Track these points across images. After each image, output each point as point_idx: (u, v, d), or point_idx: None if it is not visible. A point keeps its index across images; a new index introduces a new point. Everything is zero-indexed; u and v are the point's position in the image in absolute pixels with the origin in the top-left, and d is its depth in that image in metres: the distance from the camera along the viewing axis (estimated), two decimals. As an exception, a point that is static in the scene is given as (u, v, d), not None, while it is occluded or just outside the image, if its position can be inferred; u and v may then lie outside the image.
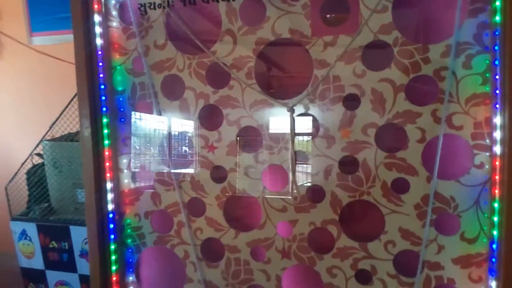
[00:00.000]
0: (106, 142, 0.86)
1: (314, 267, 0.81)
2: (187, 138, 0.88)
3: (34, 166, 2.82)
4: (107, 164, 0.86)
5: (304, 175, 0.82)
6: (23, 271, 2.91)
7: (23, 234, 2.97)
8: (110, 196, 0.87)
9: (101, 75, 0.85)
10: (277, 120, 0.80)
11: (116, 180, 0.89)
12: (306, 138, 0.80)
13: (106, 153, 0.86)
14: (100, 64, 0.85)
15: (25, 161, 3.00)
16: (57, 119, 2.55)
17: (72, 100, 2.33)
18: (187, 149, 0.88)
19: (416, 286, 0.75)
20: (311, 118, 0.78)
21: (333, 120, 0.77)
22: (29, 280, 2.83)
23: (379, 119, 0.75)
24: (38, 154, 2.68)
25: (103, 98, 0.86)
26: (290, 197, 0.81)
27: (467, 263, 0.73)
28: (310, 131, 0.79)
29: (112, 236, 0.88)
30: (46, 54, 2.57)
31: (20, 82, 3.13)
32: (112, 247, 0.88)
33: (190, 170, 0.87)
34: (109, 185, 0.87)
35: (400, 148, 0.74)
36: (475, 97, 0.70)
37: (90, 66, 0.84)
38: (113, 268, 0.88)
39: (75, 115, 2.44)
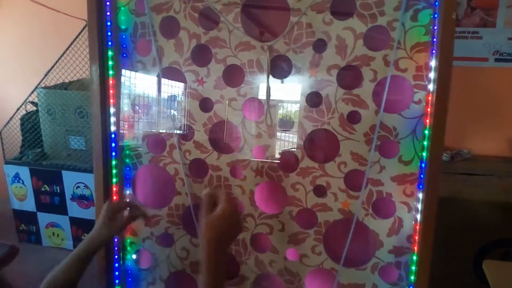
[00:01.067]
0: (110, 72, 1.00)
1: (281, 183, 0.98)
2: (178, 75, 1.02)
3: (28, 113, 2.94)
4: (111, 91, 1.01)
5: (278, 107, 0.98)
6: (15, 213, 3.08)
7: (16, 177, 3.13)
8: (112, 119, 1.02)
9: (108, 13, 0.99)
10: (257, 60, 0.95)
11: (118, 106, 1.04)
12: (281, 76, 0.95)
13: (110, 82, 1.01)
14: (108, 3, 0.98)
15: (19, 108, 3.12)
16: (52, 67, 2.66)
17: (68, 48, 2.42)
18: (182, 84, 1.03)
19: (361, 198, 0.93)
20: (286, 58, 0.94)
21: (304, 61, 0.93)
22: (20, 221, 3.00)
23: (340, 61, 0.90)
24: (32, 102, 2.80)
25: (109, 33, 1.00)
26: (265, 125, 0.97)
27: (403, 181, 0.91)
28: (284, 70, 0.94)
29: (114, 154, 1.04)
30: (42, 4, 2.64)
31: (16, 32, 3.19)
32: (113, 163, 1.04)
33: (182, 102, 1.02)
34: (112, 110, 1.02)
35: (356, 86, 0.90)
36: (418, 45, 0.86)
37: (99, 4, 0.97)
38: (114, 180, 1.05)
39: (69, 64, 2.54)
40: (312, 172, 0.96)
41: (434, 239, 0.84)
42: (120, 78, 1.03)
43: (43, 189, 2.74)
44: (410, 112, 0.88)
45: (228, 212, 0.71)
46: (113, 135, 1.03)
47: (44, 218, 2.77)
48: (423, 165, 0.87)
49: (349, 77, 0.91)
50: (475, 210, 1.60)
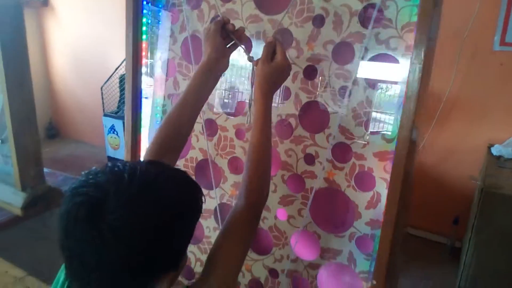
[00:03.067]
0: (144, 36, 1.17)
1: (277, 148, 1.07)
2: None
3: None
4: (143, 53, 1.18)
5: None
6: (109, 160, 3.57)
7: (112, 129, 3.60)
8: (143, 78, 1.19)
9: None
10: (263, 32, 1.03)
11: (151, 68, 1.21)
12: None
13: (143, 45, 1.17)
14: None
15: (118, 67, 3.53)
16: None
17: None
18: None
19: (345, 170, 0.98)
20: (288, 31, 1.00)
21: (304, 35, 0.98)
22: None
23: (336, 37, 0.94)
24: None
25: (144, 2, 1.15)
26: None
27: (384, 158, 0.93)
28: (287, 42, 1.01)
29: (141, 107, 1.21)
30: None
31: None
32: (142, 115, 1.22)
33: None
34: (144, 70, 1.19)
35: (348, 62, 0.94)
36: (409, 25, 0.86)
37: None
38: (141, 130, 1.23)
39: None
40: (304, 141, 1.02)
41: (396, 217, 0.87)
42: (154, 42, 1.19)
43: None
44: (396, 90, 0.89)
45: (282, 66, 0.82)
46: (143, 91, 1.20)
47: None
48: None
49: (342, 52, 0.94)
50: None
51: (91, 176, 0.56)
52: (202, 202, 0.63)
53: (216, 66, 0.86)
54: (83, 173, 0.58)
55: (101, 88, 3.68)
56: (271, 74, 0.81)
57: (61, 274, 0.69)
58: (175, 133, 0.84)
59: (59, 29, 4.35)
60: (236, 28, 0.88)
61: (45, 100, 4.60)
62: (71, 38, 4.24)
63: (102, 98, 3.74)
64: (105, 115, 3.64)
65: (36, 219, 1.65)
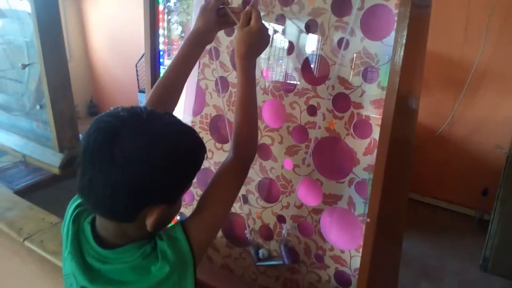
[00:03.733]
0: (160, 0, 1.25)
1: (282, 101, 1.13)
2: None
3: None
4: (160, 16, 1.26)
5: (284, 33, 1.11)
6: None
7: (145, 104, 3.74)
8: (161, 39, 1.29)
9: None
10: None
11: (168, 30, 1.30)
12: (286, 5, 1.08)
13: (160, 8, 1.26)
14: None
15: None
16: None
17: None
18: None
19: (344, 119, 1.03)
20: (290, -12, 1.05)
21: (305, -9, 1.03)
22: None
23: (335, -10, 0.99)
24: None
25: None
26: (274, 49, 1.12)
27: (380, 105, 0.98)
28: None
29: (161, 66, 1.31)
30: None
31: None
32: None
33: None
34: (161, 31, 1.28)
35: (346, 14, 0.98)
36: (403, -26, 0.89)
37: None
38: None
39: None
40: (307, 93, 1.08)
41: (387, 160, 0.92)
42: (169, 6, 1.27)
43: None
44: (389, 39, 0.93)
45: (255, 29, 0.87)
46: (161, 52, 1.30)
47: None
48: (395, 90, 0.93)
49: (340, 5, 0.99)
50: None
51: (115, 111, 0.67)
52: (203, 158, 0.74)
53: (202, 38, 0.97)
54: (111, 108, 0.69)
55: (136, 65, 3.85)
56: (245, 39, 0.87)
57: (71, 205, 0.81)
58: (165, 94, 0.95)
59: (97, 11, 4.55)
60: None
61: (86, 79, 4.87)
62: (107, 19, 4.44)
63: (137, 75, 3.92)
64: (140, 91, 3.81)
65: (71, 178, 1.82)
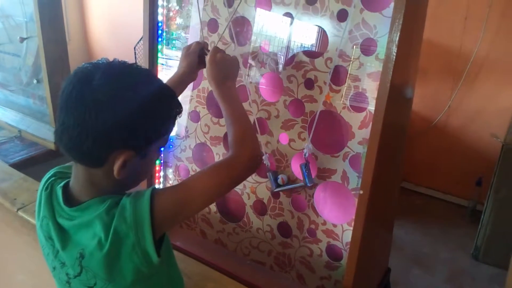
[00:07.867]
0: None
1: (279, 75, 1.13)
2: None
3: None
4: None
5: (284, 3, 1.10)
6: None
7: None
8: (160, 10, 1.28)
9: None
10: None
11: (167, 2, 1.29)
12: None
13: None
14: None
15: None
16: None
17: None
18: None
19: (341, 92, 1.04)
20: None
21: (306, -39, 1.03)
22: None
23: (336, -39, 0.98)
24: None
25: None
26: (273, 21, 1.11)
27: (377, 78, 0.98)
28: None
29: (160, 39, 1.30)
30: None
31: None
32: (159, 47, 1.31)
33: None
34: (160, 2, 1.27)
35: (346, -15, 0.98)
36: None
37: None
38: (158, 61, 1.33)
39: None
40: (304, 66, 1.08)
41: (382, 133, 0.92)
42: None
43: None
44: (389, 10, 0.93)
45: (211, 62, 0.96)
46: (160, 24, 1.29)
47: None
48: (393, 62, 0.93)
49: (341, -24, 0.98)
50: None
51: (97, 60, 0.70)
52: (173, 110, 0.76)
53: (186, 78, 1.07)
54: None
55: (134, 48, 3.82)
56: (209, 70, 0.97)
57: (43, 179, 0.83)
58: None
59: (96, -8, 4.51)
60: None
61: (84, 61, 4.82)
62: (107, 1, 4.40)
63: (135, 57, 3.89)
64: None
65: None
